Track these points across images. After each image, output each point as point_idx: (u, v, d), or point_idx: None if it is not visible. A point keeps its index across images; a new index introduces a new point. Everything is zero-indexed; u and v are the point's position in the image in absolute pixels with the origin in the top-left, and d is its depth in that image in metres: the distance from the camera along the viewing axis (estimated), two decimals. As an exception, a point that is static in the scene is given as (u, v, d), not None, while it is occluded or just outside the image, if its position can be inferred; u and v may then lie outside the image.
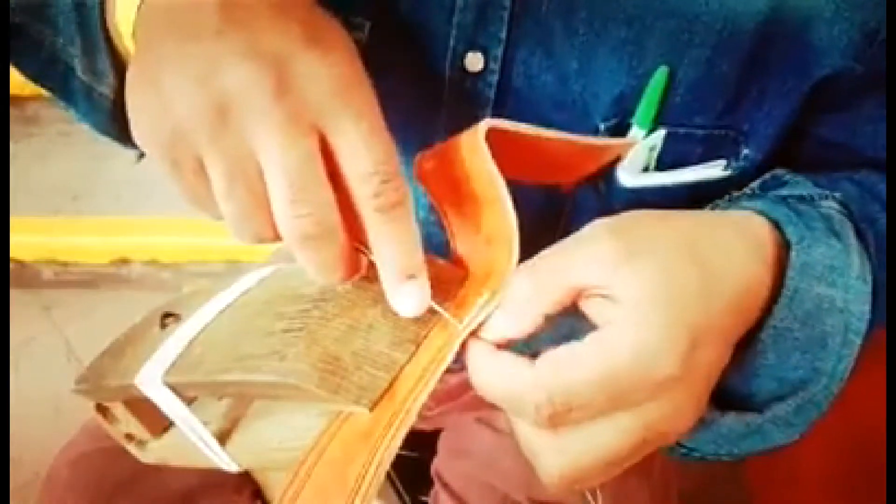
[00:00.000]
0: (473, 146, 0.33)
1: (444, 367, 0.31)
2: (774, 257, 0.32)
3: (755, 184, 0.41)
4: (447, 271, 0.36)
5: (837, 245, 0.33)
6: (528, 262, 0.30)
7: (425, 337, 0.33)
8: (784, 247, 0.32)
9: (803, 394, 0.31)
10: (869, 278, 0.33)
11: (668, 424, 0.28)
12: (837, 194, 0.37)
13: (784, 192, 0.39)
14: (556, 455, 0.29)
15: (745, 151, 0.42)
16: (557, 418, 0.28)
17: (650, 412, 0.28)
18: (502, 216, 0.32)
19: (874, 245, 0.35)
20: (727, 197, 0.41)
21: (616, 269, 0.28)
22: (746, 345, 0.32)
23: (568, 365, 0.28)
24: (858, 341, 0.32)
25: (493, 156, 0.33)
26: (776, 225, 0.33)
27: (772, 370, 0.32)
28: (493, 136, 0.33)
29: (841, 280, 0.32)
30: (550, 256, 0.30)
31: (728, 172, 0.43)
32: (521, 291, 0.30)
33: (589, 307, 0.29)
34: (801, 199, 0.37)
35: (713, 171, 0.43)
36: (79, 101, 0.42)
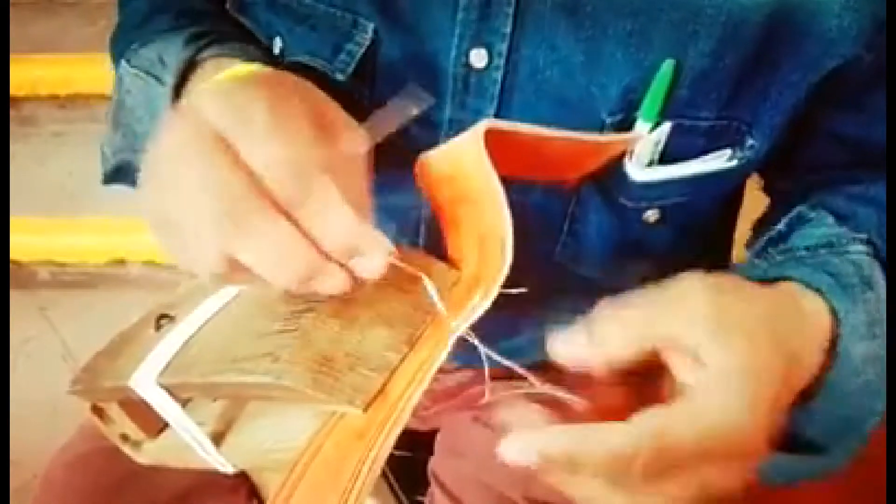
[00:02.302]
0: (472, 146, 0.33)
1: (436, 367, 0.31)
2: (826, 328, 0.35)
3: (781, 226, 0.43)
4: (441, 272, 0.36)
5: (872, 296, 0.36)
6: (618, 306, 0.31)
7: (418, 338, 0.33)
8: (830, 311, 0.35)
9: (857, 434, 0.36)
10: (883, 307, 0.36)
11: (725, 482, 0.29)
12: (862, 235, 0.40)
13: (812, 237, 0.40)
14: None
15: (751, 141, 0.42)
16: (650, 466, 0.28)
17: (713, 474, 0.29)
18: (497, 218, 0.32)
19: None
20: (763, 246, 0.43)
21: (711, 335, 0.29)
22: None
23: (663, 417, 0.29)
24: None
25: (494, 156, 0.33)
26: (819, 291, 0.35)
27: (826, 413, 0.35)
28: (493, 137, 0.33)
29: (879, 330, 0.36)
30: (644, 305, 0.31)
31: (733, 163, 0.43)
32: (612, 335, 0.30)
33: (672, 359, 0.30)
34: (832, 247, 0.39)
35: (718, 161, 0.43)
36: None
